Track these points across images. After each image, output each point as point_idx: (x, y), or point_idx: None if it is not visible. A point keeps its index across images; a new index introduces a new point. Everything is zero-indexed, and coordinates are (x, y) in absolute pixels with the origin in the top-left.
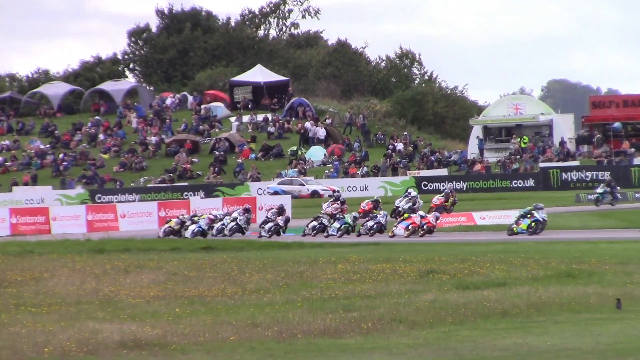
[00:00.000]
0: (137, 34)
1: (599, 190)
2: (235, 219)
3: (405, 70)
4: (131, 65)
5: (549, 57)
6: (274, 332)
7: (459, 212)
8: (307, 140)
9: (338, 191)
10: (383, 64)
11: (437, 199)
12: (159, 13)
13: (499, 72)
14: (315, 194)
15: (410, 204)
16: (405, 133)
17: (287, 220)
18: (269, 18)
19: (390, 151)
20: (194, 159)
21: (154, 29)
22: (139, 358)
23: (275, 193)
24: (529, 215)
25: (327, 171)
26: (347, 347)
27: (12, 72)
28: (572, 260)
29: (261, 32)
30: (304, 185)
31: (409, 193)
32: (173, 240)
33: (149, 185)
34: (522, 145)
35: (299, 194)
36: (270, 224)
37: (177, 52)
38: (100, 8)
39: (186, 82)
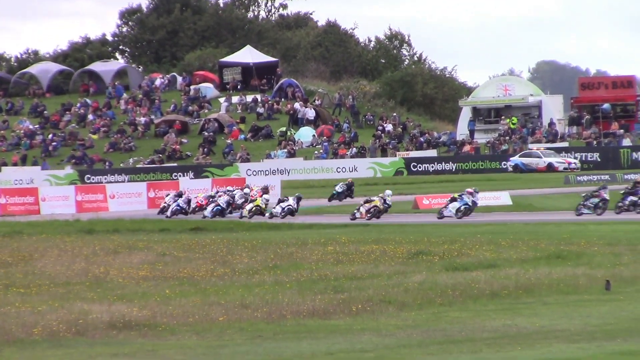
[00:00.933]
0: (129, 14)
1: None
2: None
3: (395, 52)
4: (121, 46)
5: (538, 38)
6: (263, 313)
7: (448, 193)
8: (297, 121)
9: None
10: (372, 45)
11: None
12: None
13: (488, 53)
14: (550, 166)
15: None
16: (394, 114)
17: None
18: None
19: (379, 132)
20: (183, 140)
21: (144, 10)
22: (128, 339)
23: (516, 167)
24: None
25: (316, 152)
26: (336, 328)
27: (1, 52)
28: (561, 241)
29: (250, 13)
30: (541, 157)
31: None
32: (162, 220)
33: (138, 165)
34: (511, 126)
35: (536, 166)
36: (283, 204)
37: (167, 32)
38: None
39: (175, 62)
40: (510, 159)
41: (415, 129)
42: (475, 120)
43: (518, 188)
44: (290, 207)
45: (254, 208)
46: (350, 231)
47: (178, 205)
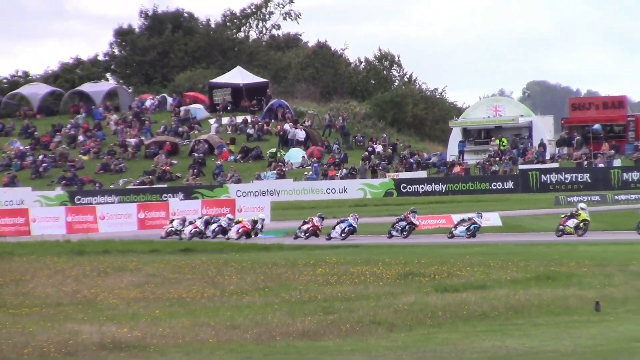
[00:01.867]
0: (122, 35)
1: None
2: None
3: (385, 72)
4: (112, 67)
5: (529, 58)
6: (252, 334)
7: (439, 215)
8: (287, 142)
9: None
10: (362, 65)
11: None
12: (143, 14)
13: (479, 73)
14: None
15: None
16: (384, 135)
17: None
18: (250, 20)
19: (368, 153)
20: (173, 161)
21: (136, 30)
22: (118, 359)
23: None
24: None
25: (306, 173)
26: (326, 349)
27: None
28: (551, 262)
29: (241, 34)
30: None
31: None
32: (152, 241)
33: (128, 187)
34: (502, 147)
35: None
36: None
37: (157, 53)
38: (81, 8)
39: (166, 83)
40: None
41: (405, 150)
42: (465, 141)
43: (508, 209)
44: (350, 227)
45: (310, 229)
46: (341, 252)
47: (220, 225)
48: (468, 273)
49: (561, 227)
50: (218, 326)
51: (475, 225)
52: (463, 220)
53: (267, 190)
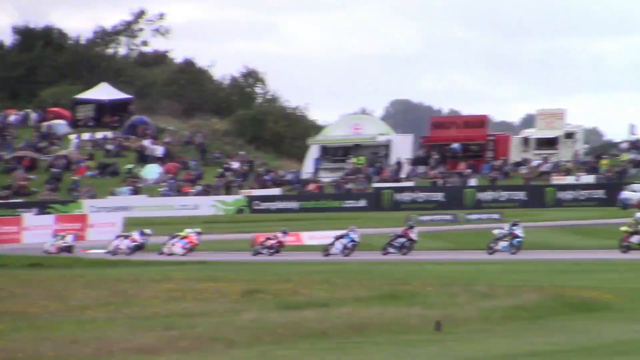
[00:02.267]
0: None
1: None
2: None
3: (248, 89)
4: None
5: (394, 76)
6: (92, 349)
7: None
8: (145, 159)
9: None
10: (227, 82)
11: None
12: (16, 30)
13: (344, 91)
14: None
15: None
16: (242, 152)
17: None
18: (120, 36)
19: (223, 170)
20: (31, 176)
21: (7, 46)
22: None
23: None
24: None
25: (160, 189)
26: None
27: None
28: (396, 281)
29: (111, 50)
30: (636, 192)
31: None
32: (1, 256)
33: None
34: (358, 165)
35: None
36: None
37: (26, 69)
38: None
39: (32, 99)
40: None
41: (262, 167)
42: (321, 159)
43: (360, 227)
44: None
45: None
46: (187, 269)
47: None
48: (312, 291)
49: (625, 243)
50: (59, 341)
51: (518, 239)
52: (503, 235)
53: (121, 206)
